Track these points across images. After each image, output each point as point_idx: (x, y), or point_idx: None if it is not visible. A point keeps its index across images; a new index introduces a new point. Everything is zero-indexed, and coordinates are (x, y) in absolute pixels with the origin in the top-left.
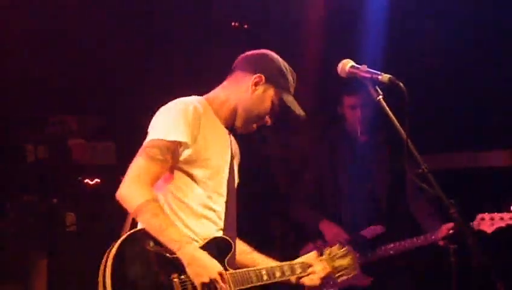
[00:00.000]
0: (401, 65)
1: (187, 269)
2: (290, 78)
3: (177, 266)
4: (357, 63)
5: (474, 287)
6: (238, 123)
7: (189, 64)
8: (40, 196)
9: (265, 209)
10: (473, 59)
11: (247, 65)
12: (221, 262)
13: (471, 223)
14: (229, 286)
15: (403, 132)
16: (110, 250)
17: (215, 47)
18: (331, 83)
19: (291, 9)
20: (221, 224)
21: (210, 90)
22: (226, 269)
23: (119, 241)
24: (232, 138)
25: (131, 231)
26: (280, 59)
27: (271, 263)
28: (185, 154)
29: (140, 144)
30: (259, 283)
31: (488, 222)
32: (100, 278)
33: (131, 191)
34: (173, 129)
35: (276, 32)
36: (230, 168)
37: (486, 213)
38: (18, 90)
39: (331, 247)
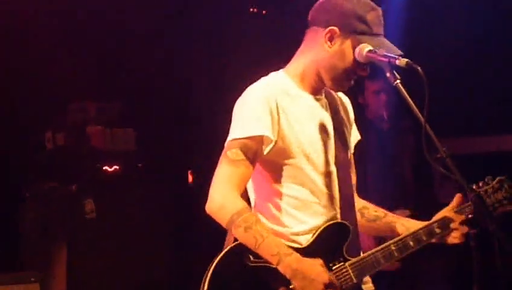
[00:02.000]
0: (421, 49)
1: (293, 283)
2: (371, 17)
3: (283, 278)
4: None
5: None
6: (329, 84)
7: (212, 51)
8: (59, 183)
9: None
10: (496, 41)
11: (318, 18)
12: (339, 252)
13: None
14: (349, 280)
15: (421, 116)
16: (209, 269)
17: (233, 29)
18: None
19: None
20: (337, 205)
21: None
22: (344, 259)
23: (217, 259)
24: (334, 96)
25: (230, 246)
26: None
27: (406, 224)
28: (271, 146)
29: (160, 130)
30: (389, 263)
31: None
32: None
33: (219, 204)
34: (250, 124)
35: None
36: (336, 137)
37: None
38: (37, 77)
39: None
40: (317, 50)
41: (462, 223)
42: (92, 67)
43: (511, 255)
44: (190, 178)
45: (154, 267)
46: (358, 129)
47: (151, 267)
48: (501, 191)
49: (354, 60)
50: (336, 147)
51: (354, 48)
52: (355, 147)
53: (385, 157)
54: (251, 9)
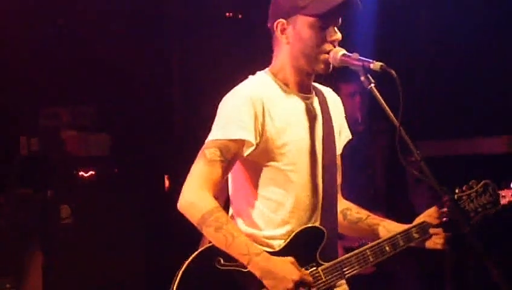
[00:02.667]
0: (394, 52)
1: (263, 282)
2: None
3: (254, 281)
4: (348, 51)
5: (470, 274)
6: (310, 69)
7: (186, 53)
8: (34, 189)
9: None
10: (471, 44)
11: (270, 23)
12: (312, 257)
13: None
14: (321, 284)
15: (395, 119)
16: (179, 271)
17: (208, 34)
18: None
19: None
20: (318, 209)
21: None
22: (317, 264)
23: (187, 261)
24: (325, 95)
25: (201, 249)
26: None
27: (388, 227)
28: (252, 149)
29: (135, 135)
30: (364, 268)
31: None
32: None
33: (191, 201)
34: (232, 126)
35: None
36: (324, 138)
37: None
38: (10, 83)
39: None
40: (282, 48)
41: (437, 226)
42: (65, 72)
43: (483, 257)
44: (167, 183)
45: (130, 273)
46: None
47: (127, 272)
48: (485, 195)
49: (313, 33)
50: (323, 148)
51: (306, 25)
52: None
53: (358, 159)
54: (227, 14)
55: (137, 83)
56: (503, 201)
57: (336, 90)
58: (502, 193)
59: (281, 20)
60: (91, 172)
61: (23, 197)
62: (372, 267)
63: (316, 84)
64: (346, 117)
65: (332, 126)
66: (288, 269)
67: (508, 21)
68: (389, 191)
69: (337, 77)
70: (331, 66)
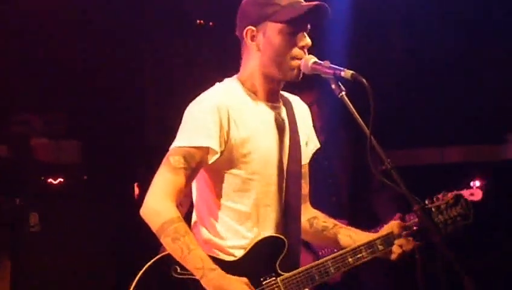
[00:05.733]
0: (364, 60)
1: None
2: None
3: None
4: (319, 59)
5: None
6: (281, 75)
7: (160, 61)
8: (2, 196)
9: None
10: (442, 58)
11: (239, 32)
12: (271, 267)
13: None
14: None
15: (365, 128)
16: (135, 277)
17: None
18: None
19: None
20: (280, 218)
21: None
22: (277, 274)
23: (144, 267)
24: (292, 104)
25: (159, 256)
26: None
27: (354, 236)
28: (216, 157)
29: (105, 142)
30: (324, 280)
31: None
32: None
33: (153, 209)
34: (196, 133)
35: None
36: (290, 147)
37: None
38: None
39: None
40: (252, 56)
41: (407, 236)
42: (36, 78)
43: (455, 266)
44: (136, 191)
45: (100, 281)
46: None
47: (97, 280)
48: (456, 207)
49: (283, 39)
50: (288, 158)
51: (276, 31)
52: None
53: (321, 170)
54: (198, 21)
55: (108, 90)
56: (474, 198)
57: None
58: (469, 191)
59: (250, 27)
60: (60, 179)
61: None
62: (340, 275)
63: (284, 93)
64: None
65: (298, 136)
66: (241, 288)
67: (477, 36)
68: (351, 199)
69: (294, 86)
70: (302, 73)
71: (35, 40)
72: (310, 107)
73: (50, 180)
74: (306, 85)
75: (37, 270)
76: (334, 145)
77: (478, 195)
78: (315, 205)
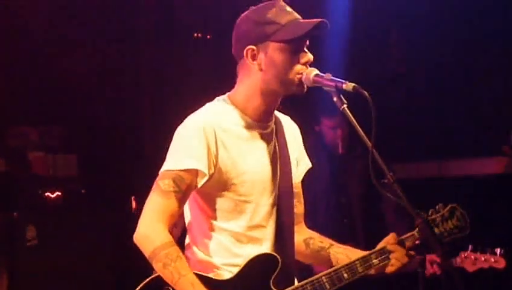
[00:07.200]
0: (365, 72)
1: None
2: (271, 14)
3: None
4: (321, 71)
5: None
6: (283, 92)
7: (158, 73)
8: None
9: None
10: (441, 63)
11: (236, 51)
12: (265, 285)
13: (454, 259)
14: None
15: (368, 141)
16: None
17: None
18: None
19: None
20: (273, 238)
21: None
22: None
23: (137, 288)
24: (283, 124)
25: (152, 277)
26: (252, 10)
27: (351, 255)
28: (205, 180)
29: (102, 156)
30: None
31: (471, 261)
32: None
33: (145, 234)
34: (184, 156)
35: None
36: (281, 168)
37: (471, 252)
38: None
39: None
40: (252, 75)
41: (408, 250)
42: (33, 92)
43: (455, 278)
44: (134, 204)
45: None
46: (313, 148)
47: None
48: (452, 220)
49: (286, 57)
50: (280, 178)
51: (278, 50)
52: (306, 174)
53: (335, 184)
54: (195, 35)
55: (105, 103)
56: (497, 265)
57: (318, 123)
58: (492, 258)
59: (250, 47)
60: (57, 193)
61: None
62: None
63: (276, 113)
64: (325, 146)
65: (289, 156)
66: None
67: (476, 41)
68: (364, 220)
69: (320, 111)
70: (305, 86)
71: (32, 54)
72: (334, 130)
73: (47, 193)
74: (330, 111)
75: (35, 283)
76: (350, 161)
77: (501, 263)
78: (326, 224)
